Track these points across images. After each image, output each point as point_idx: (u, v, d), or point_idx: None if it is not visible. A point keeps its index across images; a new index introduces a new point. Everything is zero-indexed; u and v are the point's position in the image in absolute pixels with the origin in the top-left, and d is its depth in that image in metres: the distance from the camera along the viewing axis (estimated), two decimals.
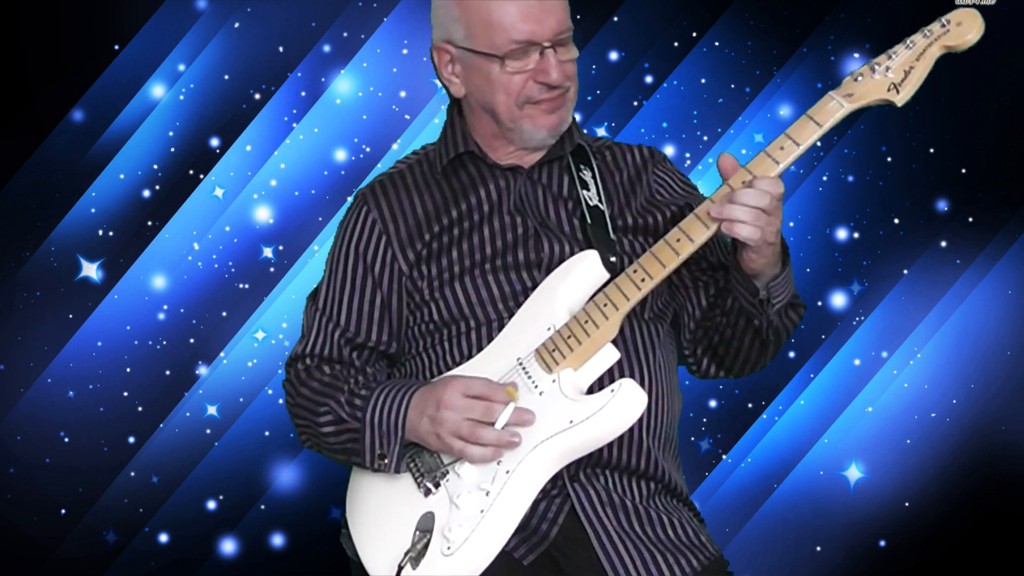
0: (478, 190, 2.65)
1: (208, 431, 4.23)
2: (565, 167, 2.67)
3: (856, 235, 4.19)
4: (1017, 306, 4.13)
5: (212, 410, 4.23)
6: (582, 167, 2.66)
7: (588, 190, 2.64)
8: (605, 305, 2.45)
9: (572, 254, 2.57)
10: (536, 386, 2.45)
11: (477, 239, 2.61)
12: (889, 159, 4.17)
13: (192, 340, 4.23)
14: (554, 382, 2.44)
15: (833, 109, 2.41)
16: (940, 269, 4.15)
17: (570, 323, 2.47)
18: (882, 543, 4.15)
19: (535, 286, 2.56)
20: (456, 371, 2.56)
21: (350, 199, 2.78)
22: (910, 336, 4.16)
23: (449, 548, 2.40)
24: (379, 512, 2.54)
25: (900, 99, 2.40)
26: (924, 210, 4.16)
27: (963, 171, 4.14)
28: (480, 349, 2.56)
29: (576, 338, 2.45)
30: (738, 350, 2.62)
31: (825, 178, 4.18)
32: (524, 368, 2.48)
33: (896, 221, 4.18)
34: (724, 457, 4.20)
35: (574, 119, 2.69)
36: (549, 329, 2.49)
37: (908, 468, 4.14)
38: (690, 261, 2.52)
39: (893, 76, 2.39)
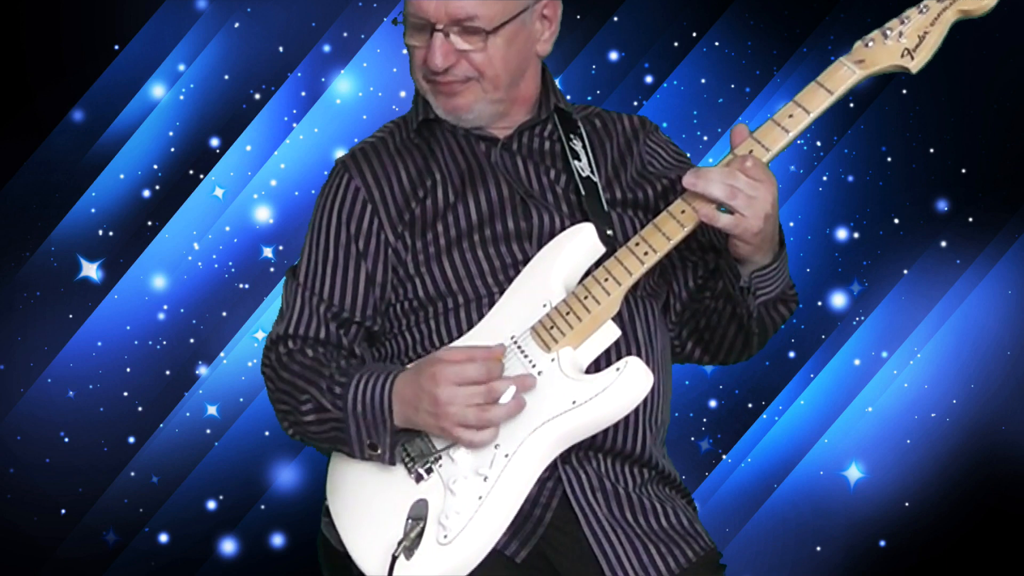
0: (455, 152, 2.53)
1: (208, 431, 4.23)
2: (549, 133, 2.57)
3: (856, 235, 4.19)
4: (1017, 306, 4.13)
5: (212, 410, 4.23)
6: (572, 136, 2.56)
7: (579, 160, 2.53)
8: (606, 280, 2.36)
9: (562, 225, 2.47)
10: (534, 365, 2.35)
11: (462, 207, 2.49)
12: (889, 159, 4.17)
13: (192, 340, 4.23)
14: (553, 361, 2.34)
15: (845, 76, 2.31)
16: (940, 269, 4.15)
17: (568, 299, 2.36)
18: (882, 543, 4.14)
19: (526, 259, 2.45)
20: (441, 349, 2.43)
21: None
22: (910, 336, 4.16)
23: (446, 536, 2.29)
24: (366, 500, 2.41)
25: (915, 65, 2.31)
26: (924, 210, 4.16)
27: (963, 171, 4.14)
28: (470, 327, 2.44)
29: (576, 315, 2.35)
30: (722, 337, 2.54)
31: (825, 178, 4.18)
32: (519, 347, 2.37)
33: (896, 221, 4.18)
34: (724, 457, 4.20)
35: (553, 83, 2.60)
36: (545, 306, 2.38)
37: (908, 468, 4.14)
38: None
39: (907, 42, 2.30)
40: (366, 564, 2.36)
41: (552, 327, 2.35)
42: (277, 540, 4.24)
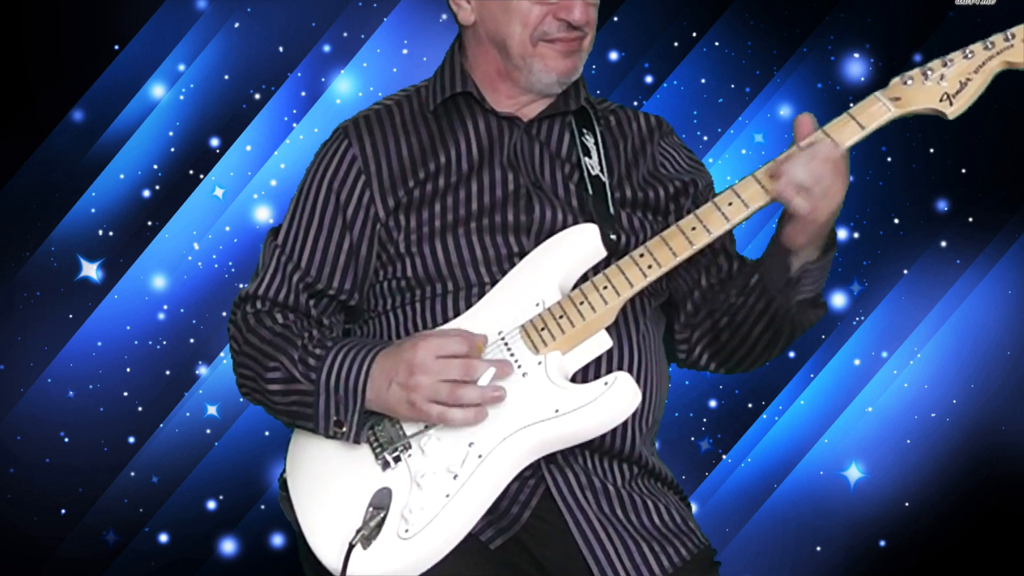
0: (470, 136, 2.45)
1: (208, 431, 4.23)
2: (567, 125, 2.49)
3: (856, 235, 4.19)
4: (1017, 306, 4.13)
5: (212, 410, 4.23)
6: (585, 131, 2.48)
7: (590, 157, 2.45)
8: (605, 288, 2.28)
9: (565, 222, 2.39)
10: (519, 365, 2.26)
11: (464, 193, 2.41)
12: (889, 159, 4.18)
13: (192, 340, 4.23)
14: (540, 364, 2.25)
15: (879, 112, 2.26)
16: (940, 269, 4.15)
17: (563, 302, 2.28)
18: (882, 543, 4.15)
19: (523, 252, 2.37)
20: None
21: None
22: (910, 336, 4.16)
23: (407, 531, 2.20)
24: (327, 480, 2.32)
25: (952, 112, 2.25)
26: (924, 210, 4.16)
27: (963, 171, 4.14)
28: (457, 314, 2.35)
29: (569, 320, 2.27)
30: (745, 336, 2.43)
31: None
32: (507, 344, 2.28)
33: (896, 221, 4.18)
34: (724, 457, 4.20)
35: (582, 77, 2.54)
36: (538, 305, 2.30)
37: (908, 468, 4.14)
38: None
39: (947, 86, 2.24)
40: (321, 548, 2.27)
41: (543, 328, 2.28)
42: (277, 540, 4.24)
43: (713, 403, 4.22)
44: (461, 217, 2.40)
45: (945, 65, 2.25)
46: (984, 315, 4.14)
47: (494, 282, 2.36)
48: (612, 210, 2.41)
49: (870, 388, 4.17)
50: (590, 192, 2.42)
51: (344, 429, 2.29)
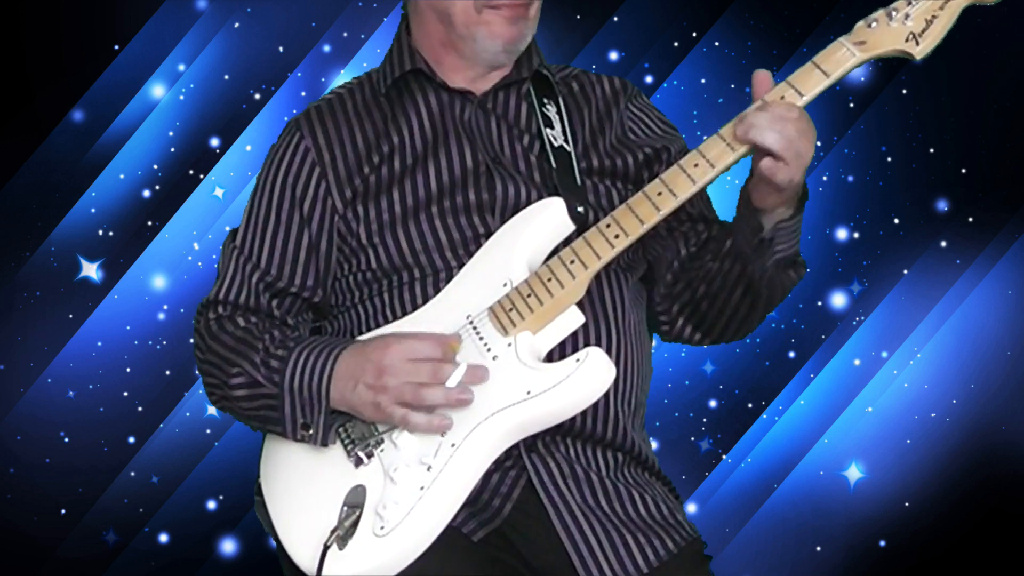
0: (421, 112, 2.39)
1: (208, 431, 4.23)
2: (524, 95, 2.41)
3: (856, 235, 4.19)
4: (1017, 306, 4.13)
5: (212, 410, 4.23)
6: (546, 101, 2.40)
7: (552, 128, 2.36)
8: (572, 262, 2.19)
9: (529, 197, 2.31)
10: (489, 349, 2.18)
11: (421, 175, 2.33)
12: (889, 159, 4.17)
13: (192, 340, 4.22)
14: (510, 346, 2.18)
15: (843, 58, 2.18)
16: (940, 269, 4.15)
17: (530, 280, 2.20)
18: (882, 543, 4.15)
19: (488, 232, 2.29)
20: (395, 326, 2.28)
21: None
22: (910, 336, 4.16)
23: (383, 528, 2.14)
24: (300, 481, 2.25)
25: (919, 51, 2.14)
26: (924, 210, 4.16)
27: (963, 171, 4.14)
28: (425, 301, 2.28)
29: (537, 298, 2.18)
30: (724, 304, 2.34)
31: (825, 178, 4.18)
32: (476, 328, 2.21)
33: (896, 221, 4.18)
34: (724, 457, 4.20)
35: (535, 43, 2.45)
36: (505, 285, 2.21)
37: (908, 468, 4.14)
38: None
39: (912, 25, 2.14)
40: (296, 551, 2.21)
41: (511, 309, 2.20)
42: None
43: (713, 403, 4.22)
44: (421, 201, 2.33)
45: (910, 3, 2.17)
46: (984, 315, 4.14)
47: (461, 265, 2.28)
48: (579, 181, 2.34)
49: (870, 388, 4.17)
50: (553, 165, 2.34)
51: (311, 432, 2.23)
